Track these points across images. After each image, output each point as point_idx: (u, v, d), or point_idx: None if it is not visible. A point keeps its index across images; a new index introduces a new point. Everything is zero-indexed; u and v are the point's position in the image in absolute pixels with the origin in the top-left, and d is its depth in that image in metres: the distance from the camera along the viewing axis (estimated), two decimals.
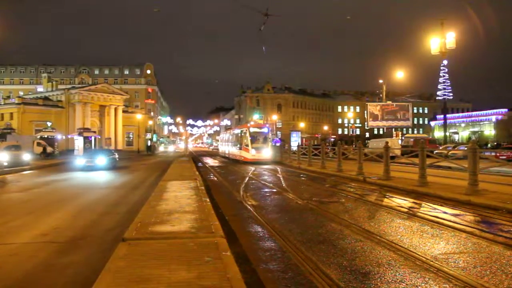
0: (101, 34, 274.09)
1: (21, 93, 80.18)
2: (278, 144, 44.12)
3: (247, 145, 30.92)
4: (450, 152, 27.99)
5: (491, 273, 5.22)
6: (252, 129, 31.84)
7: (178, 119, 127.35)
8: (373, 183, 15.62)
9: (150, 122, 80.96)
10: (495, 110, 75.91)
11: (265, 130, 32.75)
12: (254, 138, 31.37)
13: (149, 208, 8.75)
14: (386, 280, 5.00)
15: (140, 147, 69.90)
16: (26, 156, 26.92)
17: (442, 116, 61.70)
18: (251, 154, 30.45)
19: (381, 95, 72.03)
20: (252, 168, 25.64)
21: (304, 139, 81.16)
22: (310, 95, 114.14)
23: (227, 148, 41.32)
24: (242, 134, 32.61)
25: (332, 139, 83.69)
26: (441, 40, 29.87)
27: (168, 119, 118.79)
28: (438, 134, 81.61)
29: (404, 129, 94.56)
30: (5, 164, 23.03)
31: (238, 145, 33.60)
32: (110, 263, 4.95)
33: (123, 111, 69.57)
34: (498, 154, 24.43)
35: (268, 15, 21.77)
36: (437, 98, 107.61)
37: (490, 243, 6.66)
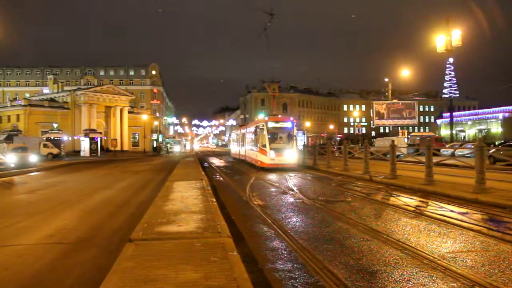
0: (106, 35, 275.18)
1: (27, 95, 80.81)
2: None
3: (264, 146, 23.82)
4: (456, 150, 27.88)
5: (499, 271, 5.18)
6: (270, 124, 24.44)
7: (184, 120, 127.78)
8: (379, 182, 15.58)
9: (156, 123, 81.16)
10: (501, 108, 75.29)
11: (288, 124, 25.11)
12: (273, 135, 24.41)
13: (155, 209, 8.77)
14: (393, 279, 4.98)
15: (146, 148, 70.14)
16: (33, 158, 27.07)
17: (448, 114, 61.51)
18: (269, 157, 23.23)
19: (386, 94, 71.89)
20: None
21: (310, 139, 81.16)
22: (315, 94, 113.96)
23: (241, 148, 33.85)
24: (258, 131, 25.53)
25: (338, 138, 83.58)
26: (446, 38, 29.71)
27: (173, 120, 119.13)
28: (445, 132, 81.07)
29: (410, 127, 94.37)
30: (12, 165, 23.18)
31: (254, 146, 26.89)
32: (117, 263, 4.96)
33: (129, 112, 69.80)
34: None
35: (272, 15, 21.74)
36: (443, 96, 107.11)
37: (498, 242, 6.61)
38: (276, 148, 23.57)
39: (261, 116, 39.85)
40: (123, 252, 5.46)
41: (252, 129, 28.33)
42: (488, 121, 77.47)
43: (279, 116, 28.55)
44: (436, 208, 10.04)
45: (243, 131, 33.68)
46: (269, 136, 23.82)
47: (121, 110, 67.64)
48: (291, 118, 26.09)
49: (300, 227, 8.15)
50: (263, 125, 24.56)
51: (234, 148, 40.05)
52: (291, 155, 23.62)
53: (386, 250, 6.25)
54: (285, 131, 24.79)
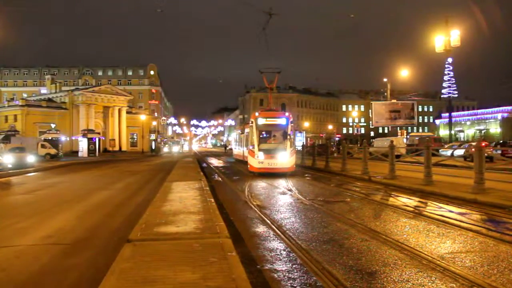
0: (104, 35, 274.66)
1: (25, 95, 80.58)
2: None
3: (253, 146, 20.34)
4: (455, 151, 27.91)
5: (498, 272, 5.18)
6: (260, 120, 20.64)
7: (182, 120, 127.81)
8: (378, 182, 15.58)
9: (154, 123, 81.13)
10: (500, 108, 75.51)
11: (282, 121, 20.90)
12: (264, 134, 20.99)
13: (154, 209, 8.74)
14: (392, 279, 4.97)
15: (144, 148, 70.06)
16: (31, 158, 26.99)
17: (447, 114, 61.66)
18: (257, 160, 19.72)
19: (385, 94, 71.85)
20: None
21: (308, 139, 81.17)
22: (314, 94, 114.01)
23: (241, 148, 30.03)
24: (248, 128, 22.57)
25: (337, 138, 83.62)
26: (445, 38, 29.78)
27: (172, 120, 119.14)
28: (443, 132, 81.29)
29: (409, 127, 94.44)
30: (10, 166, 23.10)
31: (245, 146, 24.14)
32: (115, 264, 4.93)
33: (127, 112, 69.73)
34: (504, 152, 24.33)
35: (271, 14, 21.66)
36: (442, 96, 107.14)
37: (497, 242, 6.61)
38: (267, 149, 19.91)
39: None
40: (121, 252, 5.43)
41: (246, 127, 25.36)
42: (487, 121, 77.67)
43: (272, 111, 23.94)
44: (435, 208, 10.05)
45: (244, 130, 28.68)
46: (260, 135, 20.59)
47: (119, 110, 67.57)
48: (286, 114, 21.63)
49: (299, 227, 8.13)
50: (252, 122, 20.92)
51: (235, 148, 37.74)
52: (285, 157, 19.63)
53: (385, 250, 6.24)
54: (279, 129, 20.92)
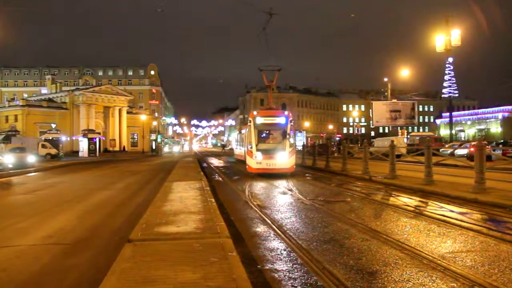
0: (104, 35, 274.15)
1: (25, 95, 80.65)
2: None
3: (251, 146, 19.60)
4: (456, 150, 27.93)
5: (499, 271, 5.16)
6: (258, 120, 19.99)
7: (183, 120, 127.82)
8: (379, 182, 15.57)
9: (155, 123, 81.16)
10: (501, 108, 75.51)
11: (281, 120, 20.13)
12: (262, 133, 20.30)
13: (154, 209, 8.74)
14: (393, 279, 4.96)
15: (144, 148, 70.08)
16: (31, 158, 27.01)
17: (448, 114, 61.65)
18: (255, 160, 19.17)
19: (386, 94, 71.85)
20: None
21: (309, 139, 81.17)
22: (315, 94, 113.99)
23: (241, 148, 28.93)
24: (246, 128, 22.02)
25: (337, 138, 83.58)
26: (446, 37, 29.71)
27: (172, 120, 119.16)
28: (444, 132, 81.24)
29: (410, 127, 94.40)
30: (10, 166, 23.11)
31: (244, 146, 23.65)
32: (115, 264, 4.93)
33: (128, 112, 69.80)
34: (504, 151, 24.30)
35: (272, 14, 21.65)
36: (442, 95, 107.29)
37: (498, 242, 6.59)
38: (265, 149, 19.35)
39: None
40: (122, 252, 5.43)
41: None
42: (488, 121, 77.66)
43: (271, 109, 22.85)
44: (436, 208, 10.04)
45: (244, 130, 27.49)
46: (259, 135, 19.93)
47: (120, 111, 67.61)
48: (285, 112, 20.86)
49: (299, 227, 8.13)
50: (250, 121, 20.15)
51: (235, 148, 37.37)
52: (284, 157, 19.01)
53: (385, 250, 6.23)
54: (277, 128, 20.14)
